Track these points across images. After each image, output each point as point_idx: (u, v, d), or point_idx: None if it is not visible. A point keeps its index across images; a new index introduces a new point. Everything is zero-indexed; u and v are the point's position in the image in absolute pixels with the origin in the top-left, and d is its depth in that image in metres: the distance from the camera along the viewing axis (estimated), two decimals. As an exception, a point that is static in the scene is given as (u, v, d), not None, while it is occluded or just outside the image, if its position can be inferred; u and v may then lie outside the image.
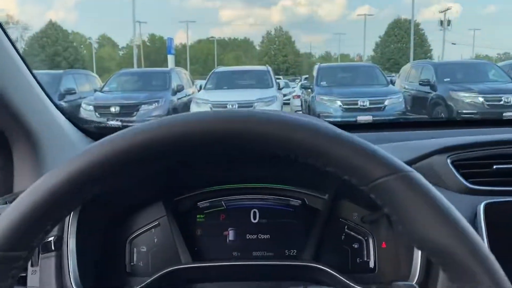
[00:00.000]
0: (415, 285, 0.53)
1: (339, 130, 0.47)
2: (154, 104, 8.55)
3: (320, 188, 1.03)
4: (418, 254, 0.81)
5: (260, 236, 1.04)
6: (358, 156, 0.46)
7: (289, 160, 0.47)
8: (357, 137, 0.47)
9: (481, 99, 7.80)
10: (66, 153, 1.17)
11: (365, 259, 1.00)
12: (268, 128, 0.46)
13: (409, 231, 0.46)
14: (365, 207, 1.00)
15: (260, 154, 0.48)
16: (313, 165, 0.48)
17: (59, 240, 0.88)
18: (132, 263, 1.03)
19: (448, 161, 0.93)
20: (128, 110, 8.39)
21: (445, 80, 8.62)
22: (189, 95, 10.20)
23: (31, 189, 0.49)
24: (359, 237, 1.00)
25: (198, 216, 1.06)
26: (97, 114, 8.26)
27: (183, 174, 1.03)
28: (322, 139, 0.47)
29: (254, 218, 1.05)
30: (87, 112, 8.32)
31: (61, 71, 11.08)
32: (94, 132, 1.32)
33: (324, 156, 0.47)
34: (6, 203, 1.03)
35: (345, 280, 0.85)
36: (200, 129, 0.46)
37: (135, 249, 1.04)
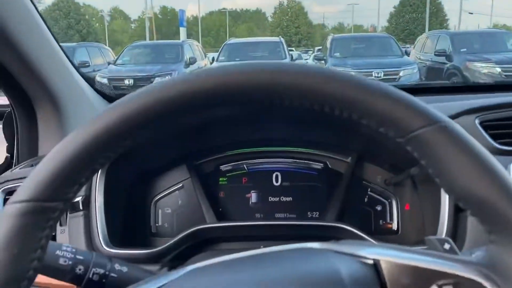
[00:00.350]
0: (449, 239, 0.53)
1: (375, 81, 0.46)
2: (167, 77, 8.52)
3: (343, 151, 1.02)
4: (445, 215, 0.81)
5: (282, 198, 1.05)
6: (396, 106, 0.46)
7: (317, 118, 0.46)
8: (393, 87, 0.47)
9: (498, 70, 7.63)
10: (88, 117, 1.17)
11: (388, 221, 1.01)
12: (305, 80, 0.46)
13: (447, 183, 0.45)
14: (388, 169, 1.00)
15: (295, 106, 0.48)
16: (348, 118, 0.47)
17: (87, 200, 0.90)
18: (157, 224, 1.05)
19: (476, 121, 0.92)
20: (142, 82, 8.39)
21: (461, 50, 8.43)
22: (201, 67, 10.15)
23: (67, 141, 0.49)
24: (382, 199, 1.00)
25: (220, 179, 1.07)
26: (111, 86, 8.30)
27: (205, 137, 1.03)
28: (357, 89, 0.46)
29: (276, 181, 1.06)
30: (101, 84, 8.35)
31: (74, 43, 11.09)
32: (114, 98, 1.32)
33: (360, 107, 0.46)
34: (32, 166, 1.05)
35: (371, 240, 0.86)
36: (240, 80, 0.45)
37: (160, 211, 1.06)
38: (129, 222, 1.02)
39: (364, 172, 1.02)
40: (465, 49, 8.46)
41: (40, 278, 0.95)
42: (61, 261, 0.66)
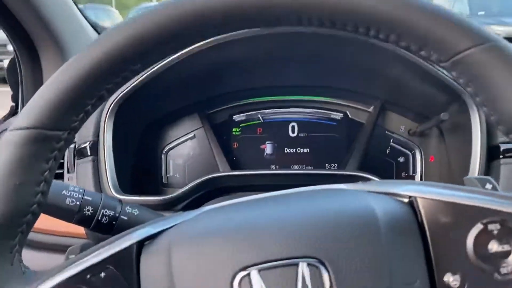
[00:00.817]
0: (490, 178, 0.48)
1: None
2: None
3: (365, 99, 0.96)
4: (475, 165, 0.76)
5: (299, 150, 1.00)
6: (440, 24, 0.40)
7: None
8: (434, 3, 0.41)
9: (517, 34, 7.42)
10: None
11: (411, 173, 0.96)
12: None
13: (498, 112, 0.40)
14: (413, 119, 0.94)
15: (325, 27, 0.42)
16: (384, 41, 0.41)
17: (95, 145, 0.86)
18: (168, 175, 1.01)
19: None
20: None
21: (479, 13, 8.18)
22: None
23: (72, 62, 0.44)
24: (406, 150, 0.95)
25: (233, 129, 1.02)
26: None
27: (218, 83, 0.98)
28: (397, 5, 0.40)
29: (293, 132, 1.01)
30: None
31: (81, 5, 10.90)
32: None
33: (399, 26, 0.41)
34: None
35: None
36: None
37: (171, 161, 1.01)
38: (139, 172, 0.98)
39: (387, 122, 0.96)
40: (483, 12, 8.20)
41: (46, 224, 0.92)
42: (68, 201, 0.62)
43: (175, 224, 0.52)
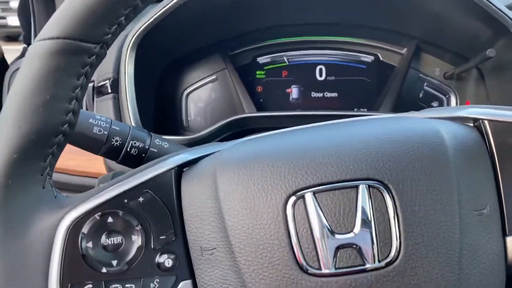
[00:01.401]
0: None
1: None
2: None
3: (399, 40, 0.91)
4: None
5: (326, 94, 0.95)
6: None
7: None
8: None
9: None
10: None
11: (445, 119, 0.91)
12: None
13: None
14: (450, 60, 0.89)
15: None
16: None
17: (115, 83, 0.81)
18: (189, 118, 0.97)
19: None
20: None
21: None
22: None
23: None
24: (440, 95, 0.91)
25: (258, 72, 0.97)
26: None
27: (241, 20, 0.92)
28: None
29: (320, 75, 0.96)
30: None
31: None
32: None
33: None
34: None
35: None
36: None
37: (191, 104, 0.97)
38: (160, 115, 0.94)
39: (421, 65, 0.91)
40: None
41: (70, 164, 0.89)
42: (96, 130, 0.58)
43: (216, 151, 0.48)
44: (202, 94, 0.97)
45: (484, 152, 0.42)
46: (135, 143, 0.60)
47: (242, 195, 0.41)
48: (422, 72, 0.91)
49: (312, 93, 0.96)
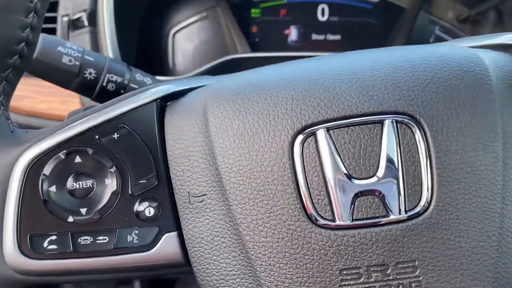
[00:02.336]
0: None
1: None
2: None
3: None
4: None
5: (328, 36, 0.87)
6: None
7: None
8: None
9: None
10: None
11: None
12: None
13: None
14: (464, 2, 0.81)
15: None
16: None
17: (93, 15, 0.72)
18: (175, 60, 0.88)
19: None
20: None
21: None
22: None
23: None
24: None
25: (252, 10, 0.88)
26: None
27: None
28: None
29: (322, 15, 0.87)
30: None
31: None
32: None
33: None
34: None
35: None
36: None
37: (178, 45, 0.88)
38: (143, 56, 0.86)
39: (433, 7, 0.83)
40: None
41: (42, 106, 0.81)
42: (66, 60, 0.49)
43: (206, 84, 0.41)
44: (190, 33, 0.88)
45: None
46: (112, 77, 0.51)
47: (238, 131, 0.34)
48: (434, 15, 0.83)
49: (313, 35, 0.87)
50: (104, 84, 0.51)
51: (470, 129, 0.32)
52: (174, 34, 0.88)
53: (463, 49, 0.36)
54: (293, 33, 0.88)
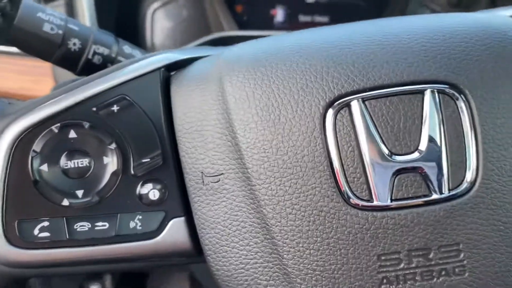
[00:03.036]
0: None
1: None
2: None
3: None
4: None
5: (316, 18, 0.84)
6: None
7: None
8: None
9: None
10: None
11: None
12: None
13: None
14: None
15: None
16: None
17: None
18: (154, 39, 0.83)
19: None
20: None
21: None
22: None
23: None
24: None
25: None
26: None
27: None
28: None
29: None
30: None
31: None
32: None
33: None
34: None
35: None
36: None
37: (158, 23, 0.83)
38: (120, 36, 0.80)
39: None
40: None
41: (10, 85, 0.74)
42: (47, 28, 0.44)
43: (216, 53, 0.36)
44: (171, 11, 0.83)
45: None
46: (98, 49, 0.46)
47: (261, 102, 0.30)
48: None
49: (300, 16, 0.84)
50: (90, 56, 0.46)
51: None
52: (154, 11, 0.83)
53: (500, 16, 0.33)
54: (279, 14, 0.84)
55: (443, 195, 0.28)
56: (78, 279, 1.07)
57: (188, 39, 0.82)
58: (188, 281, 1.16)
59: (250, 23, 0.84)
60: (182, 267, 0.92)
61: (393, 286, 0.28)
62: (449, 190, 0.28)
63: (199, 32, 0.82)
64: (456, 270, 0.28)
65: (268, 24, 0.84)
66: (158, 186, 0.32)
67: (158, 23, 0.83)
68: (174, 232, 0.32)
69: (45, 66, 0.69)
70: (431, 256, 0.28)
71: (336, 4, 0.84)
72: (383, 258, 0.28)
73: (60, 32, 0.44)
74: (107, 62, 0.47)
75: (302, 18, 0.84)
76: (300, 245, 0.29)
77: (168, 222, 0.32)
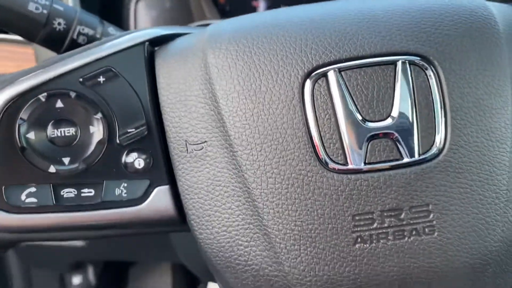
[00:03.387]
0: None
1: None
2: None
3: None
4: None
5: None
6: None
7: None
8: None
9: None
10: None
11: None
12: None
13: None
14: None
15: None
16: None
17: None
18: (137, 28, 0.84)
19: None
20: None
21: None
22: None
23: None
24: None
25: None
26: None
27: None
28: None
29: None
30: None
31: None
32: None
33: None
34: None
35: None
36: None
37: (141, 12, 0.84)
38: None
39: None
40: None
41: None
42: (32, 7, 0.45)
43: (202, 29, 0.38)
44: (154, 1, 0.84)
45: None
46: (83, 30, 0.47)
47: (243, 72, 0.31)
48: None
49: (281, 6, 0.85)
50: (75, 36, 0.46)
51: (482, 72, 0.31)
52: (138, 1, 0.84)
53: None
54: (261, 5, 0.86)
55: (413, 159, 0.30)
56: (59, 269, 1.06)
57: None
58: (170, 272, 1.16)
59: (233, 14, 0.85)
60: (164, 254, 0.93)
61: (367, 245, 0.30)
62: (419, 154, 0.30)
63: (182, 22, 0.83)
64: (426, 229, 0.30)
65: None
66: (143, 156, 0.33)
67: (142, 12, 0.84)
68: (159, 199, 0.33)
69: (28, 52, 0.70)
70: (402, 216, 0.30)
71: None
72: (357, 218, 0.30)
73: (45, 11, 0.45)
74: (91, 42, 0.48)
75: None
76: (279, 206, 0.30)
77: (152, 190, 0.33)
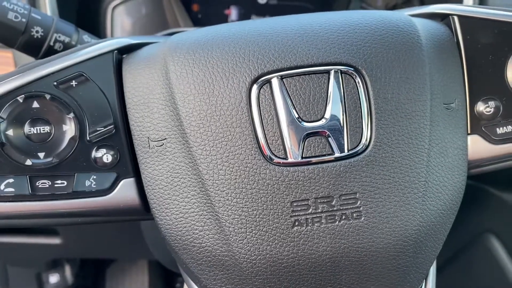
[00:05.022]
0: None
1: None
2: None
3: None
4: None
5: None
6: None
7: None
8: None
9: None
10: None
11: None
12: None
13: None
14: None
15: None
16: None
17: None
18: (114, 34, 0.87)
19: None
20: None
21: None
22: None
23: None
24: None
25: None
26: None
27: None
28: None
29: None
30: None
31: None
32: None
33: None
34: None
35: None
36: None
37: (118, 19, 0.87)
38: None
39: (364, -5, 0.89)
40: None
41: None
42: (11, 16, 0.48)
43: (164, 40, 0.42)
44: (130, 8, 0.88)
45: (454, 48, 0.40)
46: (59, 37, 0.51)
47: (198, 78, 0.36)
48: (365, 2, 0.89)
49: (253, 16, 0.90)
50: (52, 43, 0.50)
51: (404, 80, 0.36)
52: (114, 8, 0.87)
53: (398, 13, 0.41)
54: (233, 14, 0.90)
55: (343, 154, 0.35)
56: (36, 267, 1.08)
57: (147, 35, 0.86)
58: (146, 269, 1.20)
59: (205, 21, 0.90)
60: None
61: (303, 228, 0.35)
62: (348, 150, 0.35)
63: (157, 29, 0.87)
64: (354, 215, 0.35)
65: (222, 23, 0.90)
66: (111, 151, 0.37)
67: (118, 19, 0.88)
68: (125, 190, 0.37)
69: (8, 56, 0.73)
70: (333, 203, 0.35)
71: (285, 6, 0.90)
72: (295, 204, 0.35)
73: (24, 20, 0.49)
74: (68, 49, 0.52)
75: (255, 18, 0.91)
76: (229, 195, 0.35)
77: (119, 182, 0.37)
